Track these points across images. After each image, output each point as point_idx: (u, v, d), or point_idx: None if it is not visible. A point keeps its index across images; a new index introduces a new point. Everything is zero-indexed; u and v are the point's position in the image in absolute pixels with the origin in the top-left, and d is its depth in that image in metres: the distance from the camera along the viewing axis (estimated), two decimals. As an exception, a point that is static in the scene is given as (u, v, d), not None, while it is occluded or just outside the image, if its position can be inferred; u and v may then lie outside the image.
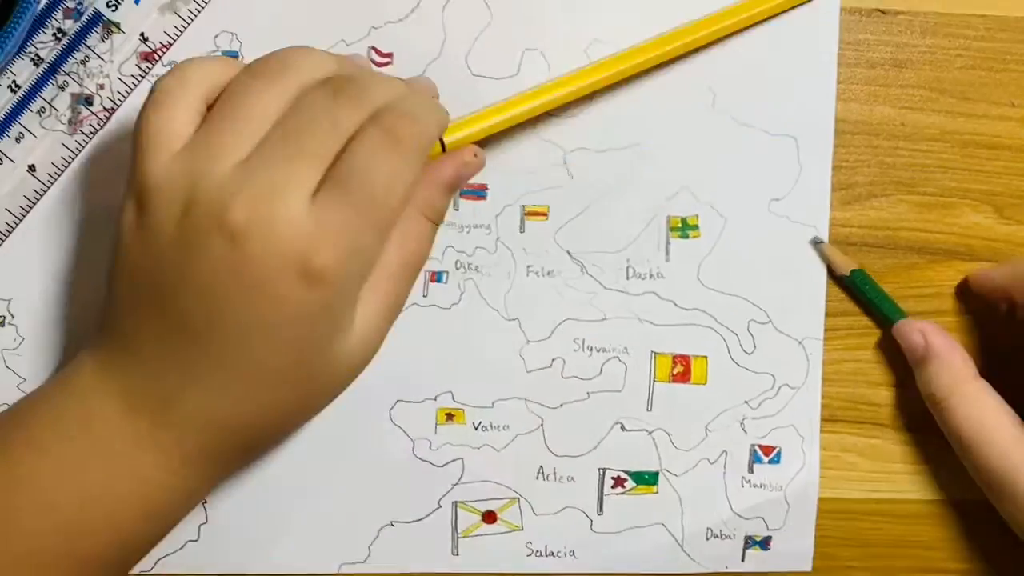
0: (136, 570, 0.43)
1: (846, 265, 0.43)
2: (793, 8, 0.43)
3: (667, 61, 0.42)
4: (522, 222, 0.43)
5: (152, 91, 0.35)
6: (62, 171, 0.41)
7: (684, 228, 0.44)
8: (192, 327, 0.34)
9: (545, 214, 0.43)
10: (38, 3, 0.38)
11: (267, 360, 0.34)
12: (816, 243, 0.44)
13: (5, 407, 0.41)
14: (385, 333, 0.38)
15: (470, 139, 0.39)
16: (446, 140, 0.39)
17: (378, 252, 0.36)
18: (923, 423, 0.44)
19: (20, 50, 0.40)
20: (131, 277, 0.35)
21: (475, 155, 0.39)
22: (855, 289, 0.44)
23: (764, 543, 0.45)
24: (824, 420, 0.45)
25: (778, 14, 0.43)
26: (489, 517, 0.44)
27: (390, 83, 0.36)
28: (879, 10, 0.44)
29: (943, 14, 0.44)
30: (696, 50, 0.43)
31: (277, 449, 0.43)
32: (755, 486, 0.45)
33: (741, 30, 0.43)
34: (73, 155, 0.41)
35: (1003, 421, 0.41)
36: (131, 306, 0.35)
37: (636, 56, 0.41)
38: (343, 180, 0.34)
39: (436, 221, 0.38)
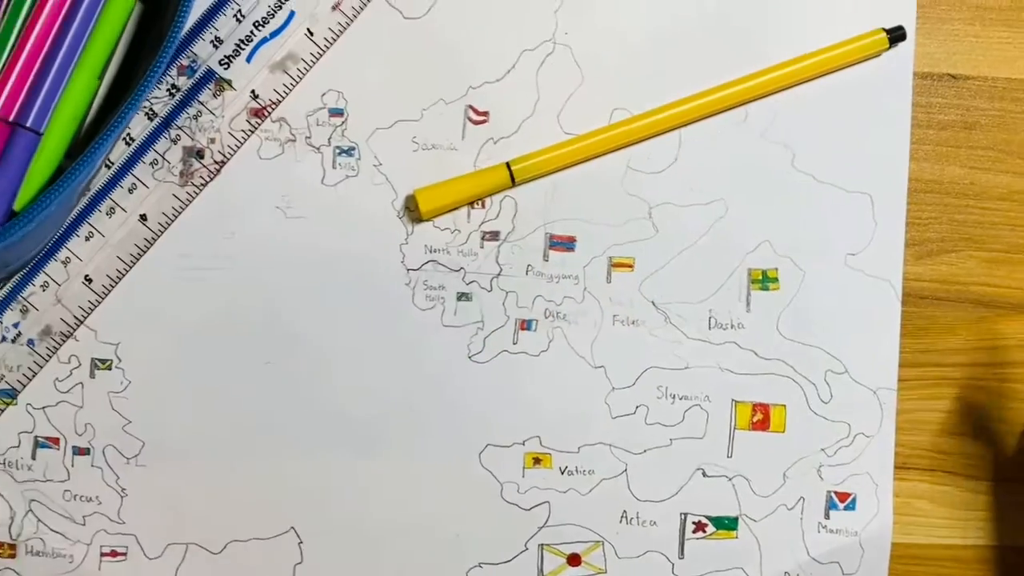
0: (232, 609, 0.44)
1: None
2: (861, 62, 0.45)
3: (736, 105, 0.44)
4: (609, 273, 0.45)
5: None
6: (172, 221, 0.43)
7: (764, 280, 0.45)
8: None
9: (631, 266, 0.45)
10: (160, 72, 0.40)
11: None
12: None
13: (110, 447, 0.43)
14: None
15: (542, 166, 0.43)
16: (514, 168, 0.41)
17: None
18: (991, 471, 0.45)
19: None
20: None
21: None
22: None
23: (839, 588, 0.46)
24: (897, 467, 0.46)
25: (848, 65, 0.45)
26: (574, 560, 0.45)
27: None
28: (950, 75, 0.46)
29: (1011, 79, 0.46)
30: (773, 103, 0.45)
31: (372, 490, 0.44)
32: (831, 531, 0.46)
33: (809, 79, 0.45)
34: (183, 205, 0.43)
35: None
36: None
37: (708, 96, 0.44)
38: None
39: None
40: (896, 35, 0.45)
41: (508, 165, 0.43)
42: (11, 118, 0.37)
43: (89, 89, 0.39)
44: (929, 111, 0.46)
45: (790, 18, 0.45)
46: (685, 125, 0.45)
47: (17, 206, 0.38)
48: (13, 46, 0.37)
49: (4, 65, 0.37)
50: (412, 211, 0.44)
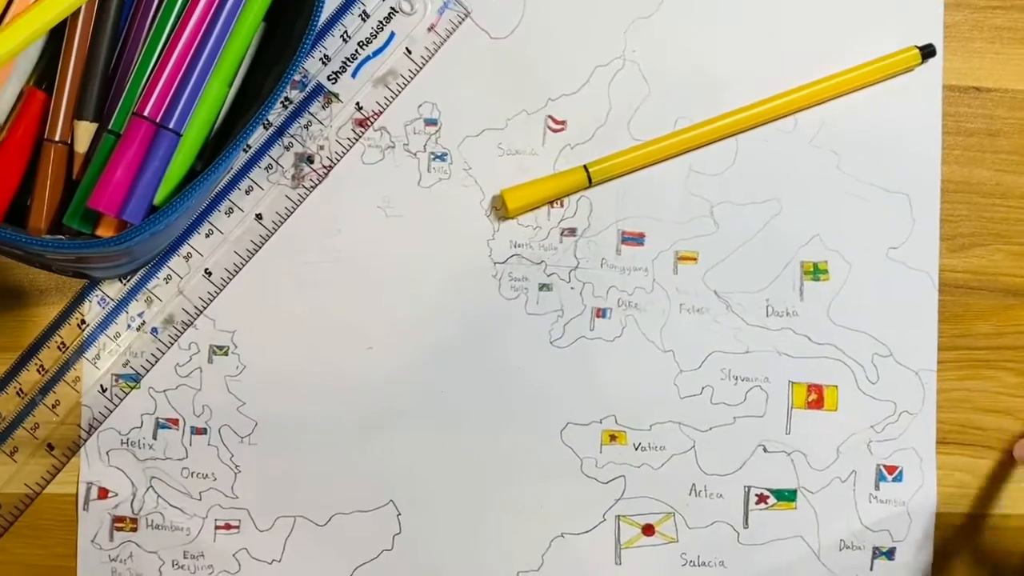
0: (335, 577, 0.47)
1: None
2: (895, 76, 0.50)
3: (786, 114, 0.50)
4: (675, 265, 0.49)
5: None
6: (285, 219, 0.47)
7: (815, 272, 0.50)
8: None
9: (695, 258, 0.50)
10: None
11: None
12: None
13: (225, 427, 0.47)
14: None
15: (615, 168, 0.48)
16: (591, 169, 0.46)
17: None
18: (1026, 445, 0.50)
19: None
20: None
21: None
22: None
23: (890, 554, 0.50)
24: (939, 442, 0.50)
25: (885, 79, 0.50)
26: (648, 530, 0.49)
27: None
28: (975, 87, 0.51)
29: (1030, 91, 0.51)
30: (820, 113, 0.50)
31: (464, 466, 0.48)
32: (881, 502, 0.50)
33: (851, 91, 0.50)
34: (295, 206, 0.47)
35: None
36: None
37: (761, 106, 0.49)
38: None
39: None
40: (927, 51, 0.50)
41: (586, 167, 0.48)
42: (157, 119, 0.42)
43: (220, 97, 0.44)
44: (957, 120, 0.51)
45: (834, 36, 0.50)
46: (741, 132, 0.50)
47: (157, 201, 0.43)
48: (160, 55, 0.42)
49: (153, 71, 0.42)
50: (499, 209, 0.49)
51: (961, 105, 0.51)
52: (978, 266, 0.51)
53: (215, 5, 0.42)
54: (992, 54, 0.51)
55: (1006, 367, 0.51)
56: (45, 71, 0.43)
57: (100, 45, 0.42)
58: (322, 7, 0.42)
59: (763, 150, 0.50)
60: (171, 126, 0.42)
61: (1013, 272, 0.51)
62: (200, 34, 0.42)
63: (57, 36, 0.42)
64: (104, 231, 0.42)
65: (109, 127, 0.42)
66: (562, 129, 0.49)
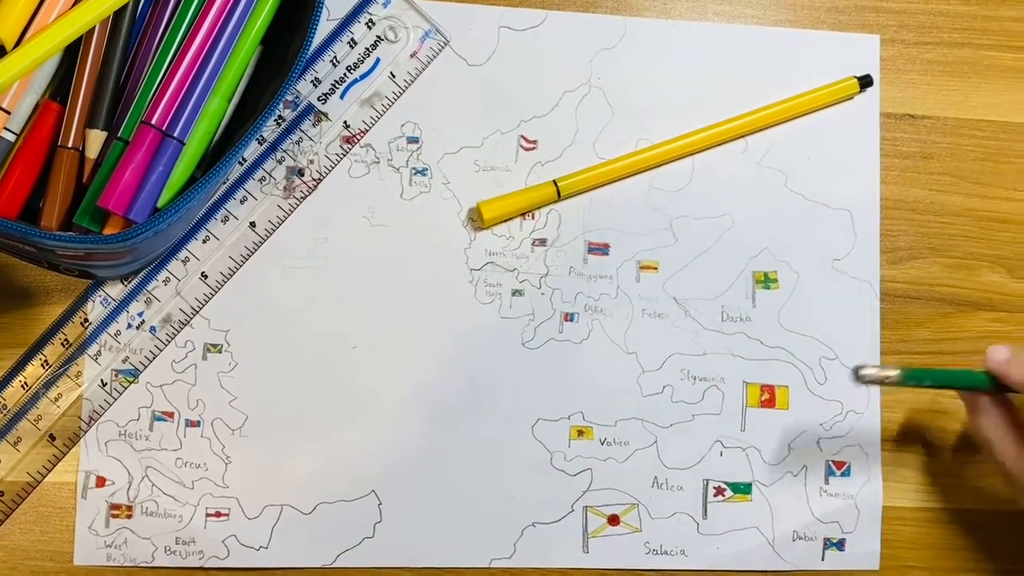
0: (318, 564, 0.50)
1: (890, 371, 0.47)
2: (836, 103, 0.55)
3: (738, 137, 0.54)
4: (638, 274, 0.53)
5: None
6: (276, 227, 0.51)
7: (767, 281, 0.54)
8: None
9: (656, 268, 0.54)
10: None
11: None
12: (857, 372, 0.46)
13: (218, 419, 0.50)
14: None
15: (582, 183, 0.52)
16: (560, 185, 0.51)
17: None
18: (963, 442, 0.54)
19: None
20: None
21: None
22: (916, 384, 0.47)
23: (840, 544, 0.53)
24: (883, 440, 0.54)
25: (827, 106, 0.55)
26: (614, 520, 0.52)
27: None
28: (910, 115, 0.56)
29: (960, 119, 0.56)
30: (768, 136, 0.54)
31: (441, 458, 0.51)
32: (831, 495, 0.53)
33: (796, 116, 0.55)
34: (286, 215, 0.51)
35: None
36: None
37: (714, 128, 0.54)
38: None
39: None
40: (865, 82, 0.55)
41: (555, 182, 0.52)
42: (163, 127, 0.45)
43: (221, 111, 0.48)
44: (894, 144, 0.56)
45: (780, 68, 0.55)
46: (697, 152, 0.54)
47: (160, 204, 0.46)
48: (167, 70, 0.46)
49: (160, 84, 0.46)
50: (475, 220, 0.53)
51: (897, 131, 0.56)
52: (916, 277, 0.55)
53: (218, 27, 0.47)
54: (924, 85, 0.56)
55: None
56: (60, 84, 0.47)
57: (111, 61, 0.46)
58: (315, 33, 0.46)
59: (717, 169, 0.54)
60: (176, 135, 0.46)
61: (948, 283, 0.55)
62: (204, 52, 0.46)
63: (70, 53, 0.46)
64: (111, 230, 0.45)
65: (118, 135, 0.46)
66: (533, 148, 0.53)
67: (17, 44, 0.43)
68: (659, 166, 0.54)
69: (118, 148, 0.46)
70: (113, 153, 0.46)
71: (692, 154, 0.54)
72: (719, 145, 0.54)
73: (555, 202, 0.53)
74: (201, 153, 0.48)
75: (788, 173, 0.55)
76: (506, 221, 0.53)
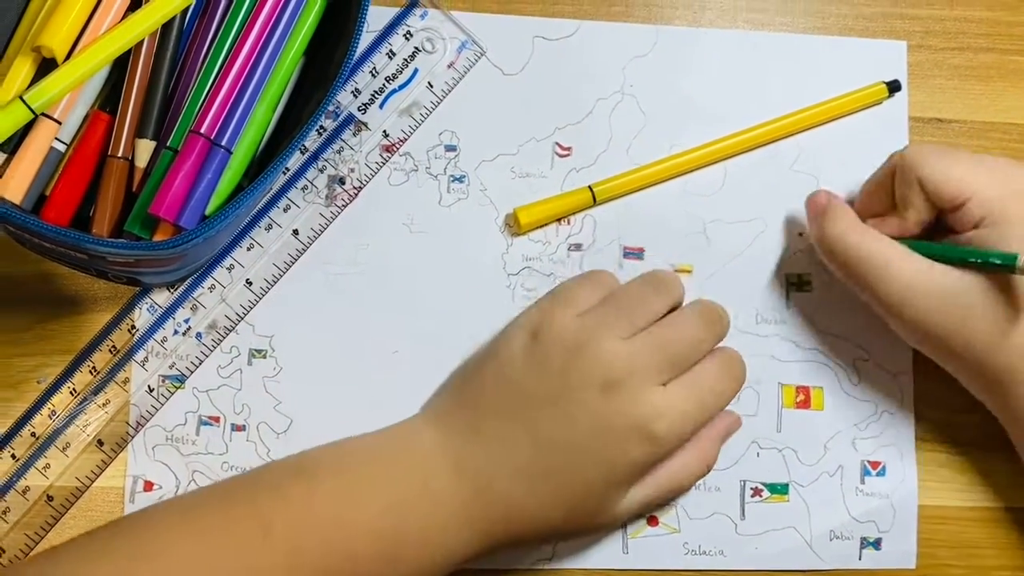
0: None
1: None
2: (865, 108, 0.56)
3: (769, 142, 0.55)
4: (673, 278, 0.54)
5: (585, 274, 0.51)
6: (319, 235, 0.52)
7: (800, 283, 0.55)
8: (543, 436, 0.45)
9: (690, 271, 0.54)
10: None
11: (581, 481, 0.45)
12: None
13: (263, 423, 0.51)
14: (631, 518, 0.50)
15: (616, 188, 0.53)
16: (595, 190, 0.53)
17: (687, 439, 0.47)
18: (999, 441, 0.54)
19: (293, 140, 0.51)
20: (505, 382, 0.47)
21: (738, 422, 0.52)
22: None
23: (876, 544, 0.54)
24: (918, 439, 0.55)
25: (856, 111, 0.56)
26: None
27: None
28: (937, 119, 0.57)
29: (986, 122, 0.57)
30: (799, 140, 0.55)
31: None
32: (867, 495, 0.54)
33: (825, 121, 0.56)
34: (328, 223, 0.52)
35: (890, 244, 0.49)
36: (493, 402, 0.46)
37: (746, 134, 0.55)
38: (694, 386, 0.47)
39: (704, 467, 0.49)
40: (893, 87, 0.56)
41: (590, 188, 0.53)
42: (212, 136, 0.47)
43: (266, 120, 0.49)
44: (923, 147, 0.57)
45: (809, 74, 0.56)
46: (728, 158, 0.55)
47: (208, 211, 0.47)
48: (215, 80, 0.47)
49: (208, 95, 0.47)
50: (511, 226, 0.53)
51: (926, 134, 0.57)
52: (947, 279, 0.56)
53: (263, 38, 0.48)
54: (952, 89, 0.57)
55: (976, 371, 0.55)
56: (109, 95, 0.48)
57: (160, 72, 0.47)
58: (357, 45, 0.47)
59: (749, 174, 0.55)
60: (223, 143, 0.47)
61: (979, 284, 0.56)
62: (250, 63, 0.48)
63: (120, 65, 0.47)
64: (161, 236, 0.47)
65: (167, 144, 0.47)
66: (568, 154, 0.54)
67: (68, 57, 0.44)
68: (692, 171, 0.55)
69: (167, 157, 0.47)
70: (162, 162, 0.47)
71: (724, 159, 0.55)
72: (750, 150, 0.55)
73: (590, 207, 0.54)
74: (248, 162, 0.49)
75: (819, 177, 0.56)
76: (542, 226, 0.54)
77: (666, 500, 0.50)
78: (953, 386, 0.54)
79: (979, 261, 0.47)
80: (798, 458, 0.54)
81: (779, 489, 0.54)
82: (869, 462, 0.54)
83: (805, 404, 0.54)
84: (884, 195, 0.51)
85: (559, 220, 0.54)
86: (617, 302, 0.48)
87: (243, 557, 0.42)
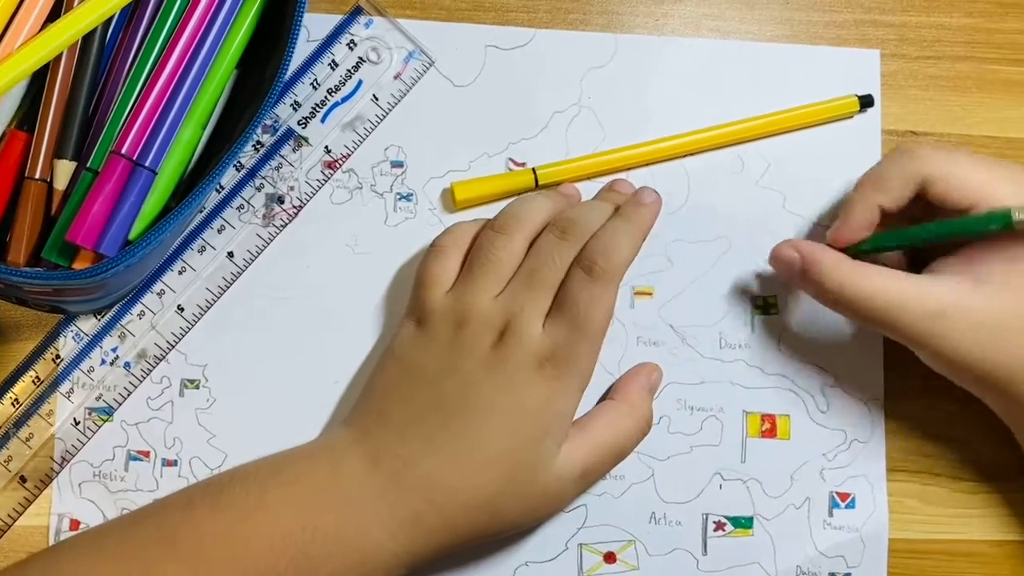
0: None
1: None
2: (836, 120, 0.53)
3: (728, 144, 0.53)
4: (632, 300, 0.52)
5: (432, 245, 0.48)
6: (255, 257, 0.49)
7: (766, 306, 0.52)
8: (447, 405, 0.44)
9: (651, 294, 0.52)
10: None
11: (496, 439, 0.44)
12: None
13: (196, 458, 0.48)
14: (575, 489, 0.47)
15: (562, 174, 0.51)
16: (540, 172, 0.51)
17: (592, 362, 0.46)
18: (972, 472, 0.52)
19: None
20: (403, 369, 0.46)
21: (658, 372, 0.51)
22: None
23: (845, 579, 0.51)
24: (889, 470, 0.52)
25: (824, 122, 0.53)
26: (609, 558, 0.50)
27: (599, 213, 0.48)
28: (912, 131, 0.54)
29: (963, 135, 0.54)
30: (766, 155, 0.52)
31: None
32: (835, 528, 0.51)
33: (790, 130, 0.53)
34: (265, 244, 0.49)
35: (894, 275, 0.47)
36: (396, 389, 0.46)
37: (703, 133, 0.53)
38: (562, 306, 0.46)
39: (640, 421, 0.48)
40: (865, 101, 0.53)
41: (534, 170, 0.51)
42: (134, 157, 0.44)
43: (195, 138, 0.46)
44: (896, 162, 0.54)
45: (777, 85, 0.53)
46: (686, 155, 0.52)
47: (132, 236, 0.44)
48: (138, 97, 0.44)
49: (130, 112, 0.44)
50: (447, 205, 0.51)
51: (899, 148, 0.54)
52: (920, 300, 0.53)
53: (191, 51, 0.45)
54: (927, 100, 0.54)
55: (951, 395, 0.52)
56: (27, 113, 0.45)
57: (80, 88, 0.44)
58: (291, 56, 0.45)
59: (713, 190, 0.53)
60: (147, 164, 0.44)
61: (954, 306, 0.53)
62: (176, 78, 0.45)
63: (39, 80, 0.44)
64: (81, 264, 0.44)
65: (88, 165, 0.44)
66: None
67: (-20, 71, 0.41)
68: (648, 165, 0.52)
69: (87, 179, 0.44)
70: (82, 184, 0.44)
71: (682, 156, 0.53)
72: (711, 150, 0.53)
73: (531, 190, 0.51)
74: (175, 182, 0.46)
75: (787, 194, 0.53)
76: (481, 205, 0.51)
77: (609, 463, 0.48)
78: (927, 412, 0.52)
79: (976, 229, 0.45)
80: (763, 490, 0.51)
81: (743, 523, 0.51)
82: (838, 494, 0.52)
83: (771, 433, 0.52)
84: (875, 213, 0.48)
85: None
86: (477, 263, 0.47)
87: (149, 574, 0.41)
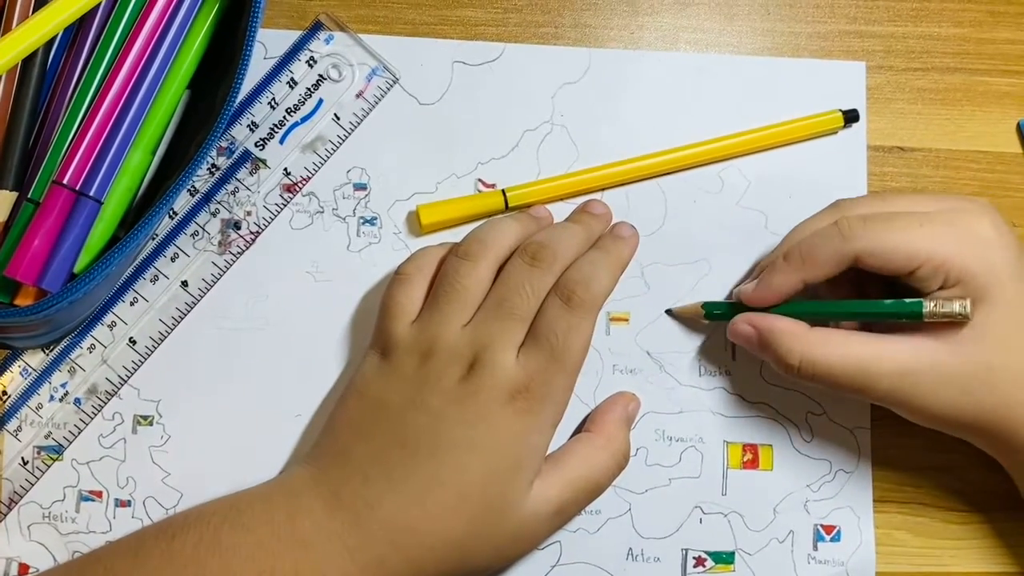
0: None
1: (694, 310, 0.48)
2: (820, 136, 0.51)
3: (706, 163, 0.51)
4: (607, 326, 0.50)
5: (397, 273, 0.46)
6: (211, 286, 0.47)
7: (747, 331, 0.50)
8: (412, 442, 0.42)
9: (627, 319, 0.50)
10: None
11: (465, 476, 0.42)
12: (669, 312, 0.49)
13: (150, 498, 0.46)
14: (549, 528, 0.45)
15: (533, 196, 0.49)
16: (509, 195, 0.48)
17: (567, 395, 0.45)
18: (962, 502, 0.50)
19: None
20: (366, 403, 0.44)
21: (635, 401, 0.49)
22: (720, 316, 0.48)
23: (830, 615, 0.49)
24: (875, 501, 0.50)
25: (807, 138, 0.51)
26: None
27: (572, 238, 0.46)
28: (899, 147, 0.52)
29: (952, 150, 0.52)
30: (747, 174, 0.50)
31: None
32: (820, 562, 0.49)
33: (773, 146, 0.51)
34: (221, 272, 0.47)
35: (855, 339, 0.45)
36: (358, 425, 0.44)
37: (677, 152, 0.50)
38: (538, 336, 0.44)
39: (616, 454, 0.46)
40: (850, 116, 0.51)
41: (503, 192, 0.49)
42: (77, 187, 0.41)
43: (143, 165, 0.44)
44: (882, 179, 0.52)
45: (759, 100, 0.51)
46: (662, 174, 0.50)
47: (77, 269, 0.42)
48: (81, 123, 0.42)
49: (73, 139, 0.42)
50: (413, 229, 0.49)
51: (886, 165, 0.52)
52: (908, 323, 0.51)
53: (138, 71, 0.42)
54: (915, 114, 0.52)
55: (940, 423, 0.50)
56: (-36, 141, 0.43)
57: (20, 115, 0.42)
58: (245, 74, 0.42)
59: (692, 211, 0.50)
60: (91, 193, 0.42)
61: (943, 328, 0.51)
62: (123, 100, 0.42)
63: (-24, 105, 0.42)
64: (22, 300, 0.42)
65: (28, 196, 0.42)
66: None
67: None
68: (623, 185, 0.50)
69: (28, 210, 0.42)
70: (23, 216, 0.42)
71: (659, 175, 0.50)
72: (689, 169, 0.51)
73: (501, 212, 0.49)
74: (123, 211, 0.44)
75: (768, 214, 0.51)
76: (449, 228, 0.49)
77: (584, 500, 0.46)
78: (915, 441, 0.50)
79: (889, 315, 0.45)
80: (745, 523, 0.49)
81: (724, 558, 0.49)
82: (823, 526, 0.50)
83: (753, 464, 0.50)
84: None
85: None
86: (442, 291, 0.45)
87: None
